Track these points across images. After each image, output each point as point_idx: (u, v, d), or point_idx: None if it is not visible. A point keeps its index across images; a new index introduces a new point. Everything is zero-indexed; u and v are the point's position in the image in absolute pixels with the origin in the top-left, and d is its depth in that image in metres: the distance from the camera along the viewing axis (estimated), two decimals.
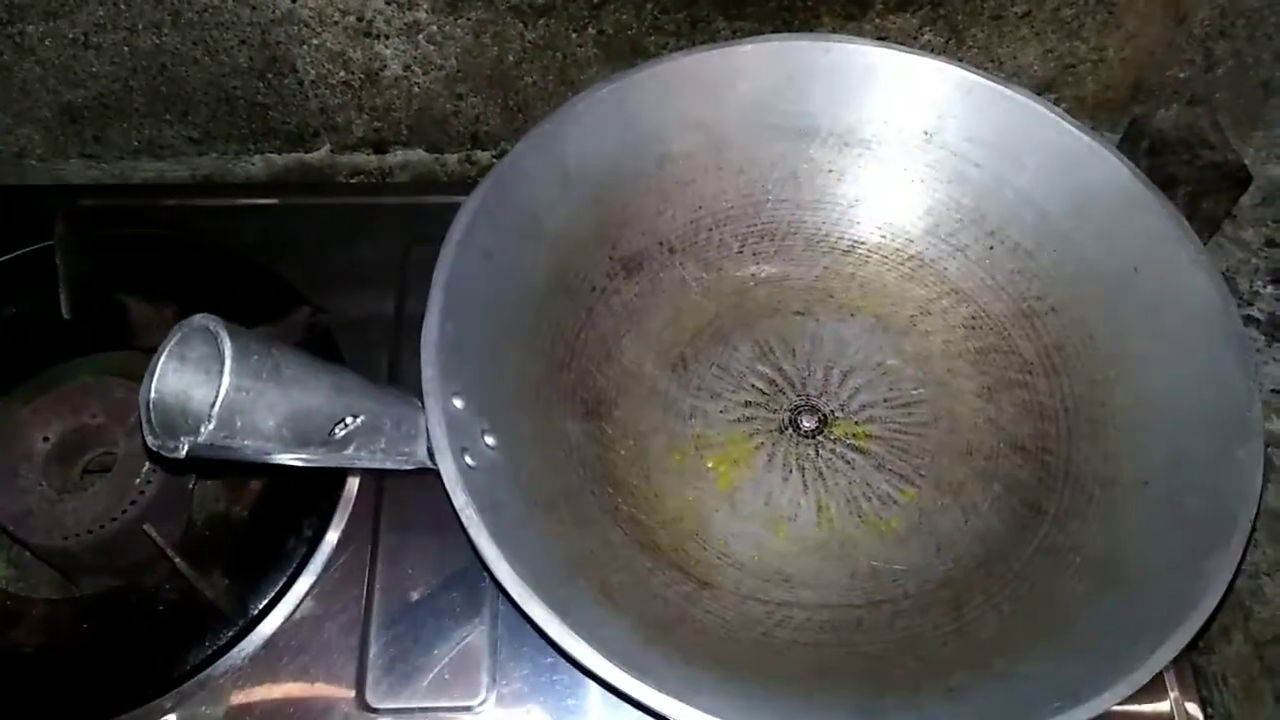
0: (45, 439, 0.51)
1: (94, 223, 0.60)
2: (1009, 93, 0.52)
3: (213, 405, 0.32)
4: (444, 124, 0.65)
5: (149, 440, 0.34)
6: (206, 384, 0.35)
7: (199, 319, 0.34)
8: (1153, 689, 0.48)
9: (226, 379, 0.33)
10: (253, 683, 0.48)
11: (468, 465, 0.41)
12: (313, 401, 0.36)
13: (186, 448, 0.33)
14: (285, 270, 0.60)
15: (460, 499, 0.39)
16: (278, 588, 0.50)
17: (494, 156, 0.68)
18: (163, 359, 0.35)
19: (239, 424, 0.33)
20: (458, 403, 0.43)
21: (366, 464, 0.39)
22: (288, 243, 0.62)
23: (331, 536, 0.52)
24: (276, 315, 0.57)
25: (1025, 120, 0.52)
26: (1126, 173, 0.49)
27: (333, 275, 0.61)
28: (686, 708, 0.36)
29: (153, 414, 0.34)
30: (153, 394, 0.35)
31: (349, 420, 0.37)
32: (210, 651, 0.48)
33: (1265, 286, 0.71)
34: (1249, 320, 0.69)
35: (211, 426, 0.33)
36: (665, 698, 0.36)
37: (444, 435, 0.41)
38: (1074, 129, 0.51)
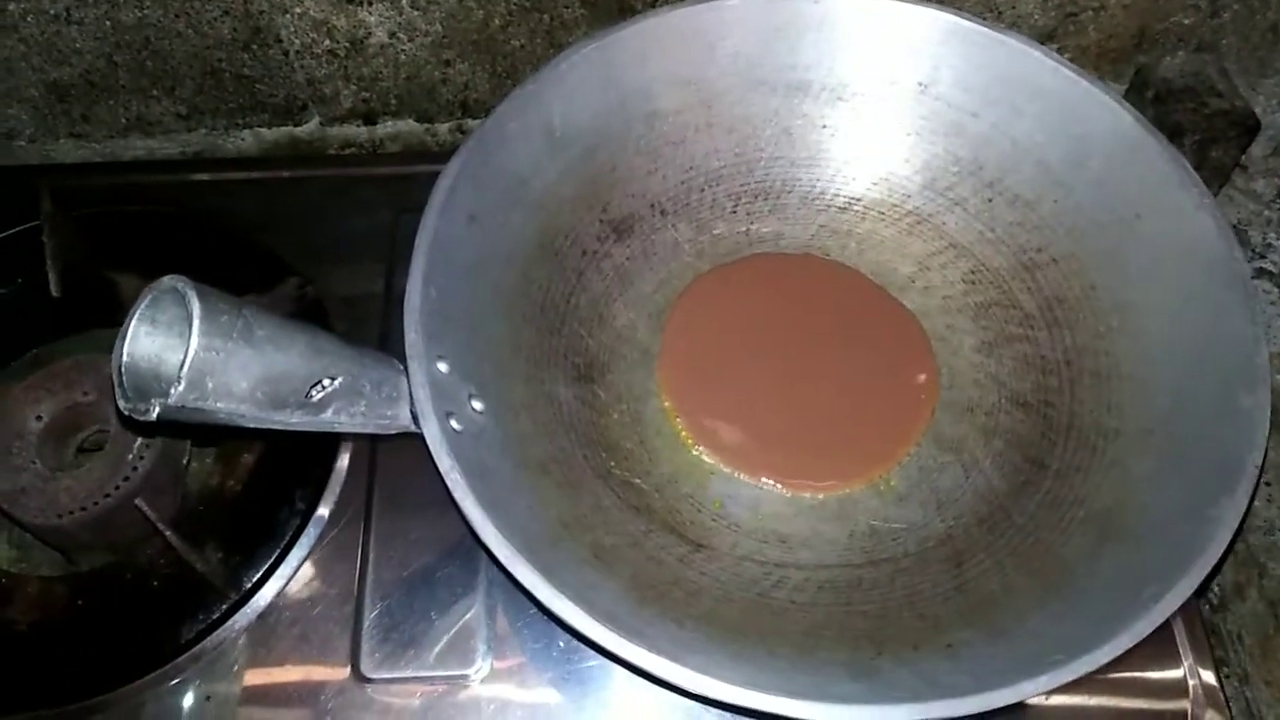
0: (38, 418, 0.51)
1: (82, 201, 0.60)
2: (1004, 39, 0.50)
3: (181, 366, 0.32)
4: (433, 92, 0.64)
5: (121, 404, 0.33)
6: (179, 346, 0.34)
7: (168, 280, 0.34)
8: (1166, 653, 0.47)
9: (195, 339, 0.32)
10: (247, 656, 0.47)
11: (453, 429, 0.40)
12: (288, 362, 0.35)
13: (158, 409, 0.32)
14: (277, 244, 0.59)
15: (445, 462, 0.39)
16: (271, 560, 0.49)
17: None
18: (134, 321, 0.34)
19: (210, 385, 0.33)
20: (442, 367, 0.42)
21: (347, 427, 0.38)
22: (279, 216, 0.62)
23: (325, 508, 0.51)
24: (265, 288, 0.57)
25: (1022, 67, 0.50)
26: (1127, 118, 0.48)
27: (325, 247, 0.60)
28: (678, 667, 0.35)
29: (125, 377, 0.34)
30: (125, 357, 0.34)
31: (326, 382, 0.37)
32: (204, 625, 0.48)
33: (1278, 239, 0.69)
34: (1261, 273, 0.67)
35: (181, 388, 0.32)
36: (655, 658, 0.35)
37: (428, 399, 0.40)
38: (1072, 74, 0.49)
